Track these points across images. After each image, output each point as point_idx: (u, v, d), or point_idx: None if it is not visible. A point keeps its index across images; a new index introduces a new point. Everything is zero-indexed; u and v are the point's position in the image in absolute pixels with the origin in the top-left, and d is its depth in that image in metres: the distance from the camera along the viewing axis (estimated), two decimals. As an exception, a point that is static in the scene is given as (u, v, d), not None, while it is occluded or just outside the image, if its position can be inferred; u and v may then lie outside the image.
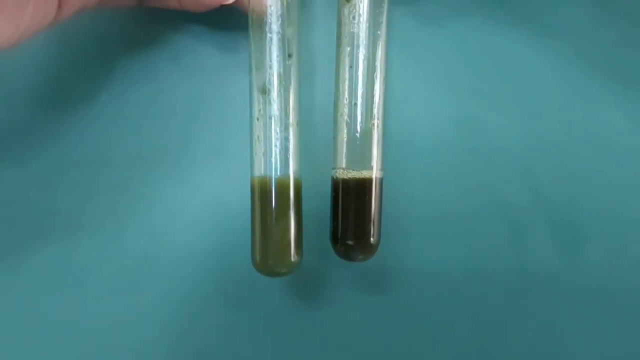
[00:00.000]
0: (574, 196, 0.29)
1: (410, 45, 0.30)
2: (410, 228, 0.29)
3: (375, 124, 0.25)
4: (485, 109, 0.29)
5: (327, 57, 0.27)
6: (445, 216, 0.29)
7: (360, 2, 0.25)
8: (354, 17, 0.25)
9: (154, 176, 0.29)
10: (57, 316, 0.29)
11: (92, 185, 0.29)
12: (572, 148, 0.29)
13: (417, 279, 0.29)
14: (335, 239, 0.25)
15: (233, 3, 0.27)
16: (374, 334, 0.29)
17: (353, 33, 0.25)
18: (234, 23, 0.29)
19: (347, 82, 0.25)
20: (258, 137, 0.25)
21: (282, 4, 0.25)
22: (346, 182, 0.25)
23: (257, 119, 0.25)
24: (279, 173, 0.25)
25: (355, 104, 0.25)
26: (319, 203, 0.26)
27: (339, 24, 0.26)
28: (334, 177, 0.25)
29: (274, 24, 0.25)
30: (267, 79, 0.25)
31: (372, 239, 0.25)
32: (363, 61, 0.25)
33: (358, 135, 0.25)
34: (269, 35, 0.25)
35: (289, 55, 0.25)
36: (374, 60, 0.25)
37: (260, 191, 0.25)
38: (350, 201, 0.25)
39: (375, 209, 0.25)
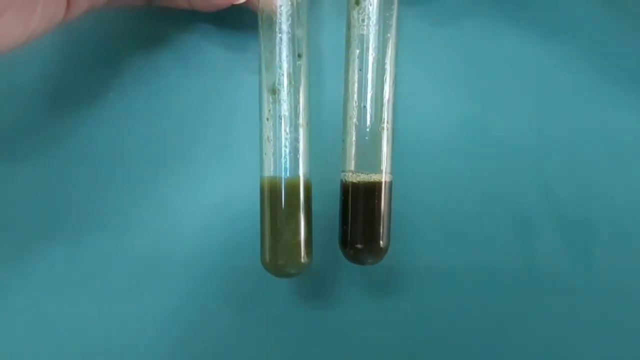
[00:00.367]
0: (583, 197, 0.29)
1: (420, 46, 0.29)
2: (419, 229, 0.29)
3: (385, 127, 0.25)
4: (495, 110, 0.29)
5: (337, 57, 0.27)
6: (454, 218, 0.29)
7: (370, 5, 0.25)
8: (363, 20, 0.25)
9: (162, 175, 0.29)
10: (64, 315, 0.29)
11: (99, 184, 0.29)
12: (582, 149, 0.29)
13: (426, 281, 0.29)
14: (344, 242, 0.25)
15: (243, 3, 0.27)
16: (383, 335, 0.29)
17: (362, 35, 0.25)
18: (242, 22, 0.29)
19: (356, 85, 0.25)
20: (268, 137, 0.25)
21: (292, 4, 0.25)
22: (355, 186, 0.25)
23: (267, 119, 0.25)
24: (288, 174, 0.25)
25: (365, 106, 0.25)
26: (329, 204, 0.26)
27: (348, 27, 0.26)
28: (343, 180, 0.25)
29: (283, 24, 0.25)
30: (277, 79, 0.25)
31: (381, 242, 0.25)
32: (372, 64, 0.25)
33: (367, 138, 0.25)
34: (278, 35, 0.25)
35: (299, 55, 0.25)
36: (384, 63, 0.25)
37: (270, 192, 0.25)
38: (360, 205, 0.25)
39: (384, 212, 0.25)
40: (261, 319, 0.29)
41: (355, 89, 0.25)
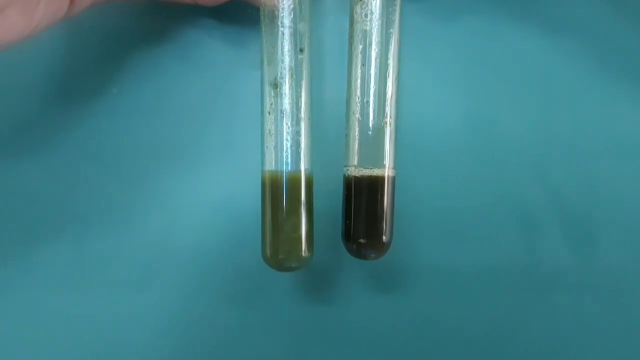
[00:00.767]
0: (586, 194, 0.29)
1: (423, 42, 0.29)
2: (422, 226, 0.29)
3: (388, 122, 0.25)
4: (498, 106, 0.29)
5: (339, 52, 0.27)
6: (457, 214, 0.29)
7: (373, 0, 0.25)
8: (366, 15, 0.25)
9: (165, 171, 0.29)
10: (67, 311, 0.29)
11: (102, 180, 0.29)
12: (585, 146, 0.29)
13: (429, 277, 0.29)
14: (347, 237, 0.25)
15: None
16: (385, 330, 0.29)
17: (365, 31, 0.25)
18: (244, 17, 0.29)
19: (359, 81, 0.25)
20: (269, 131, 0.25)
21: None
22: (358, 180, 0.25)
23: (269, 113, 0.25)
24: (290, 167, 0.25)
25: (368, 102, 0.25)
26: (331, 199, 0.27)
27: (351, 22, 0.26)
28: (346, 175, 0.25)
29: (285, 19, 0.25)
30: (279, 73, 0.25)
31: (384, 237, 0.25)
32: (375, 59, 0.25)
33: (370, 133, 0.25)
34: (280, 29, 0.25)
35: (301, 50, 0.25)
36: (386, 58, 0.25)
37: (272, 186, 0.25)
38: (362, 199, 0.25)
39: (387, 207, 0.25)
40: (264, 314, 0.29)
41: (358, 85, 0.25)
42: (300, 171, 0.25)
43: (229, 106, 0.30)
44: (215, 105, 0.30)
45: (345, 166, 0.26)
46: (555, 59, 0.29)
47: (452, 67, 0.29)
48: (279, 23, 0.25)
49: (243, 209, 0.29)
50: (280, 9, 0.25)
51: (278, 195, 0.25)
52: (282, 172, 0.25)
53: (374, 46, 0.25)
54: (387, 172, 0.25)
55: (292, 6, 0.25)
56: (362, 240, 0.25)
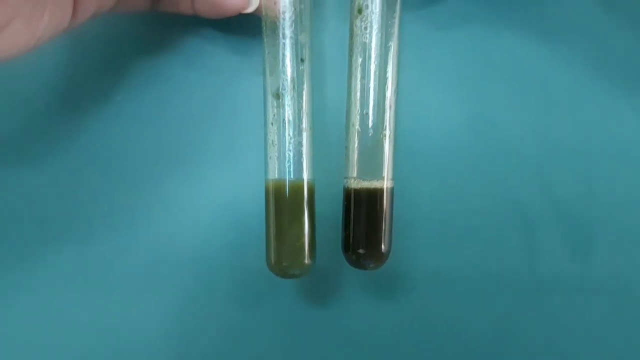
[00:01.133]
0: (585, 198, 0.29)
1: (422, 50, 0.30)
2: (422, 231, 0.29)
3: (387, 135, 0.25)
4: (497, 113, 0.29)
5: (339, 61, 0.27)
6: (457, 220, 0.29)
7: (372, 14, 0.25)
8: (365, 28, 0.25)
9: (168, 176, 0.30)
10: (71, 314, 0.29)
11: (106, 186, 0.30)
12: (584, 150, 0.29)
13: (429, 282, 0.29)
14: (346, 247, 0.26)
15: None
16: (386, 335, 0.29)
17: (365, 44, 0.25)
18: (247, 26, 0.29)
19: (358, 93, 0.25)
20: (272, 141, 0.26)
21: (295, 10, 0.26)
22: (357, 192, 0.25)
23: (272, 124, 0.26)
24: (292, 176, 0.25)
25: (367, 114, 0.25)
26: (333, 207, 0.27)
27: (351, 35, 0.26)
28: (346, 186, 0.26)
29: (287, 30, 0.25)
30: (281, 84, 0.25)
31: (383, 247, 0.25)
32: (374, 72, 0.25)
33: (369, 145, 0.25)
34: (282, 40, 0.25)
35: (302, 60, 0.26)
36: (386, 71, 0.25)
37: (275, 194, 0.25)
38: (362, 211, 0.25)
39: (386, 218, 0.25)
40: (266, 319, 0.29)
41: (358, 97, 0.25)
42: (302, 180, 0.25)
43: (232, 112, 0.30)
44: (218, 112, 0.30)
45: (345, 177, 0.26)
46: (553, 65, 0.30)
47: (451, 75, 0.30)
48: (281, 34, 0.25)
49: (246, 214, 0.29)
50: (282, 20, 0.25)
51: (281, 204, 0.25)
52: (285, 181, 0.25)
53: (373, 59, 0.25)
54: (386, 183, 0.25)
55: (293, 17, 0.26)
56: (361, 251, 0.25)
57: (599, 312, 0.29)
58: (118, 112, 0.30)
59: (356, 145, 0.26)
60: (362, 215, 0.25)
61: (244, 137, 0.30)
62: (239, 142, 0.30)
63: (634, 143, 0.29)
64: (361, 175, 0.25)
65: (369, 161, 0.25)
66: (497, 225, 0.29)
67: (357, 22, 0.26)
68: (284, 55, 0.25)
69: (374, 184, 0.25)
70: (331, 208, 0.27)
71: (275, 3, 0.25)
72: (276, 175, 0.25)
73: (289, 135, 0.25)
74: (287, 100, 0.25)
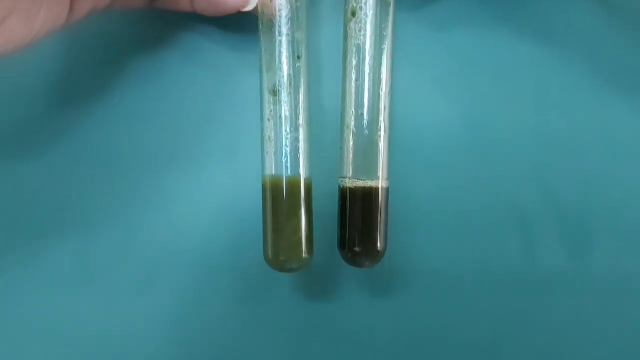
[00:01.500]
0: (583, 197, 0.29)
1: (416, 51, 0.30)
2: (419, 229, 0.29)
3: (382, 135, 0.26)
4: (493, 112, 0.30)
5: (335, 58, 0.27)
6: (454, 217, 0.29)
7: (366, 16, 0.26)
8: (359, 30, 0.26)
9: (166, 173, 0.30)
10: (72, 313, 0.29)
11: (104, 184, 0.30)
12: (581, 150, 0.29)
13: (427, 279, 0.29)
14: (342, 245, 0.26)
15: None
16: (383, 330, 0.29)
17: (359, 46, 0.26)
18: (244, 23, 0.30)
19: (353, 95, 0.26)
20: (269, 137, 0.26)
21: (291, 7, 0.26)
22: (353, 192, 0.26)
23: (268, 120, 0.26)
24: (290, 172, 0.26)
25: (362, 114, 0.26)
26: (328, 204, 0.27)
27: (345, 37, 0.26)
28: (341, 186, 0.26)
29: (283, 27, 0.26)
30: (278, 81, 0.26)
31: (378, 245, 0.26)
32: (369, 74, 0.26)
33: (364, 145, 0.26)
34: (278, 38, 0.26)
35: (298, 57, 0.26)
36: (380, 72, 0.26)
37: (272, 190, 0.26)
38: (357, 210, 0.26)
39: (381, 217, 0.26)
40: (264, 316, 0.29)
41: (353, 98, 0.26)
42: (299, 175, 0.26)
43: (230, 109, 0.30)
44: (216, 108, 0.30)
45: (341, 177, 0.26)
46: (550, 65, 0.30)
47: (446, 75, 0.30)
48: (277, 32, 0.26)
49: (244, 211, 0.29)
50: (278, 18, 0.26)
51: (279, 199, 0.26)
52: (282, 176, 0.26)
53: (367, 61, 0.26)
54: (381, 183, 0.26)
55: (289, 15, 0.26)
56: (357, 249, 0.26)
57: (597, 311, 0.29)
58: (115, 109, 0.30)
59: (351, 145, 0.26)
60: (357, 215, 0.26)
61: (242, 134, 0.30)
62: (237, 139, 0.30)
63: (630, 143, 0.29)
64: (356, 175, 0.26)
65: (364, 161, 0.26)
66: (494, 224, 0.29)
67: (351, 24, 0.26)
68: (280, 52, 0.26)
69: (369, 184, 0.26)
70: (328, 205, 0.27)
71: (271, 1, 0.26)
72: (273, 171, 0.26)
73: (285, 131, 0.26)
74: (284, 97, 0.26)
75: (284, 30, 0.26)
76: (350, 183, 0.26)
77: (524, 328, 0.29)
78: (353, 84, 0.26)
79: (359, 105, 0.26)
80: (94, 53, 0.30)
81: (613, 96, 0.30)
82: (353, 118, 0.26)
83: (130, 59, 0.30)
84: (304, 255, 0.26)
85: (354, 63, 0.26)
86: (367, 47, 0.26)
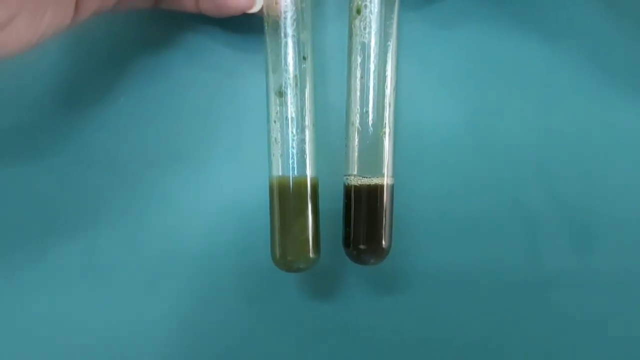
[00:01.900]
0: (587, 197, 0.29)
1: (421, 48, 0.30)
2: (424, 228, 0.29)
3: (386, 132, 0.26)
4: (497, 110, 0.30)
5: (340, 58, 0.27)
6: (458, 216, 0.29)
7: (371, 14, 0.26)
8: (364, 28, 0.26)
9: (172, 175, 0.30)
10: (78, 314, 0.29)
11: (111, 185, 0.30)
12: (585, 149, 0.29)
13: (431, 278, 0.29)
14: (347, 243, 0.26)
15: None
16: (388, 330, 0.29)
17: (364, 43, 0.26)
18: (250, 24, 0.30)
19: (358, 92, 0.26)
20: (275, 139, 0.26)
21: (296, 9, 0.26)
22: (358, 189, 0.26)
23: (275, 122, 0.26)
24: (296, 173, 0.26)
25: (367, 112, 0.26)
26: (334, 203, 0.27)
27: (350, 35, 0.26)
28: (346, 183, 0.26)
29: (288, 28, 0.26)
30: (283, 82, 0.26)
31: (383, 243, 0.26)
32: (373, 72, 0.26)
33: (369, 143, 0.26)
34: (284, 39, 0.26)
35: (304, 58, 0.26)
36: (385, 70, 0.26)
37: (279, 191, 0.26)
38: (362, 207, 0.26)
39: (386, 214, 0.26)
40: (271, 314, 0.29)
41: (358, 96, 0.26)
42: (306, 176, 0.26)
43: (236, 109, 0.30)
44: (222, 109, 0.30)
45: (345, 175, 0.26)
46: (555, 64, 0.30)
47: (450, 72, 0.30)
48: (283, 33, 0.26)
49: (251, 211, 0.29)
50: (283, 19, 0.26)
51: (285, 200, 0.26)
52: (288, 177, 0.26)
53: (372, 58, 0.26)
54: (386, 180, 0.26)
55: (294, 16, 0.26)
56: (362, 247, 0.26)
57: (600, 308, 0.29)
58: (121, 110, 0.30)
59: (356, 143, 0.26)
60: (362, 212, 0.26)
61: (247, 134, 0.30)
62: (242, 139, 0.30)
63: (635, 143, 0.30)
64: (361, 173, 0.26)
65: (369, 159, 0.26)
66: (498, 222, 0.29)
67: (356, 22, 0.26)
68: (286, 53, 0.26)
69: (374, 181, 0.26)
70: (333, 205, 0.27)
71: (276, 3, 0.26)
72: (280, 172, 0.26)
73: (292, 132, 0.26)
74: (290, 98, 0.26)
75: (290, 31, 0.26)
76: (355, 180, 0.26)
77: (528, 327, 0.29)
78: (358, 81, 0.26)
79: (364, 102, 0.26)
80: (99, 54, 0.30)
81: (618, 96, 0.30)
82: (358, 115, 0.26)
83: (136, 59, 0.30)
84: (311, 255, 0.26)
85: (359, 61, 0.26)
86: (372, 44, 0.26)
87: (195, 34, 0.30)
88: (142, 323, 0.29)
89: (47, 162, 0.30)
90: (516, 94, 0.30)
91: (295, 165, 0.26)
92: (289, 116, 0.26)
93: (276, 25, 0.26)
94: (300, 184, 0.26)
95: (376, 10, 0.26)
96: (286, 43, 0.26)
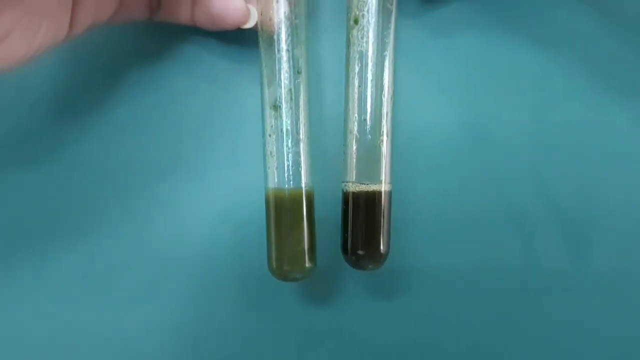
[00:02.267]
0: (583, 200, 0.29)
1: (418, 57, 0.30)
2: (421, 231, 0.29)
3: (384, 140, 0.26)
4: (493, 119, 0.30)
5: (335, 71, 0.28)
6: (455, 221, 0.29)
7: (368, 24, 0.26)
8: (362, 37, 0.26)
9: (169, 185, 0.30)
10: (77, 321, 0.29)
11: (109, 194, 0.30)
12: (579, 152, 0.30)
13: (428, 283, 0.29)
14: (345, 249, 0.26)
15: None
16: (386, 335, 0.29)
17: (362, 52, 0.26)
18: (245, 36, 0.30)
19: (356, 101, 0.26)
20: (270, 152, 0.26)
21: (290, 25, 0.26)
22: (356, 196, 0.26)
23: (270, 135, 0.26)
24: (292, 185, 0.26)
25: (365, 119, 0.26)
26: (331, 210, 0.27)
27: (348, 44, 0.27)
28: (344, 190, 0.27)
29: (282, 44, 0.26)
30: (278, 96, 0.26)
31: (381, 248, 0.26)
32: (371, 80, 0.26)
33: (367, 150, 0.26)
34: (278, 55, 0.26)
35: (298, 72, 0.27)
36: (382, 78, 0.26)
37: (275, 203, 0.26)
38: (360, 213, 0.26)
39: (384, 220, 0.26)
40: (269, 321, 0.30)
41: (355, 105, 0.26)
42: (301, 188, 0.26)
43: (233, 121, 0.30)
44: (217, 120, 0.30)
45: (343, 182, 0.27)
46: (550, 70, 0.30)
47: (447, 80, 0.30)
48: (277, 49, 0.26)
49: (247, 220, 0.30)
50: (277, 35, 0.26)
51: (281, 212, 0.26)
52: (284, 190, 0.26)
53: (370, 67, 0.26)
54: (384, 187, 0.26)
55: (288, 32, 0.26)
56: (360, 252, 0.26)
57: (596, 312, 0.29)
58: (117, 121, 0.30)
59: (354, 150, 0.26)
60: (360, 218, 0.26)
61: (242, 144, 0.30)
62: (238, 149, 0.30)
63: (629, 145, 0.30)
64: (359, 180, 0.26)
65: (367, 166, 0.26)
66: (495, 227, 0.29)
67: (354, 32, 0.26)
68: (280, 68, 0.26)
69: (372, 188, 0.26)
70: (331, 211, 0.27)
71: (270, 19, 0.26)
72: (275, 185, 0.26)
73: (287, 146, 0.26)
74: (285, 112, 0.26)
75: (284, 46, 0.26)
76: (353, 187, 0.26)
77: (525, 329, 0.29)
78: (356, 90, 0.26)
79: (362, 110, 0.26)
80: (96, 65, 0.31)
81: (613, 100, 0.30)
82: (356, 123, 0.26)
83: (131, 71, 0.31)
84: (306, 265, 0.26)
85: (357, 69, 0.26)
86: (370, 53, 0.26)
87: (191, 45, 0.31)
88: (140, 330, 0.29)
89: (46, 170, 0.30)
90: (512, 100, 0.30)
91: (290, 178, 0.26)
92: (284, 129, 0.26)
93: (270, 41, 0.26)
94: (295, 196, 0.26)
95: (373, 20, 0.26)
96: (280, 58, 0.26)
